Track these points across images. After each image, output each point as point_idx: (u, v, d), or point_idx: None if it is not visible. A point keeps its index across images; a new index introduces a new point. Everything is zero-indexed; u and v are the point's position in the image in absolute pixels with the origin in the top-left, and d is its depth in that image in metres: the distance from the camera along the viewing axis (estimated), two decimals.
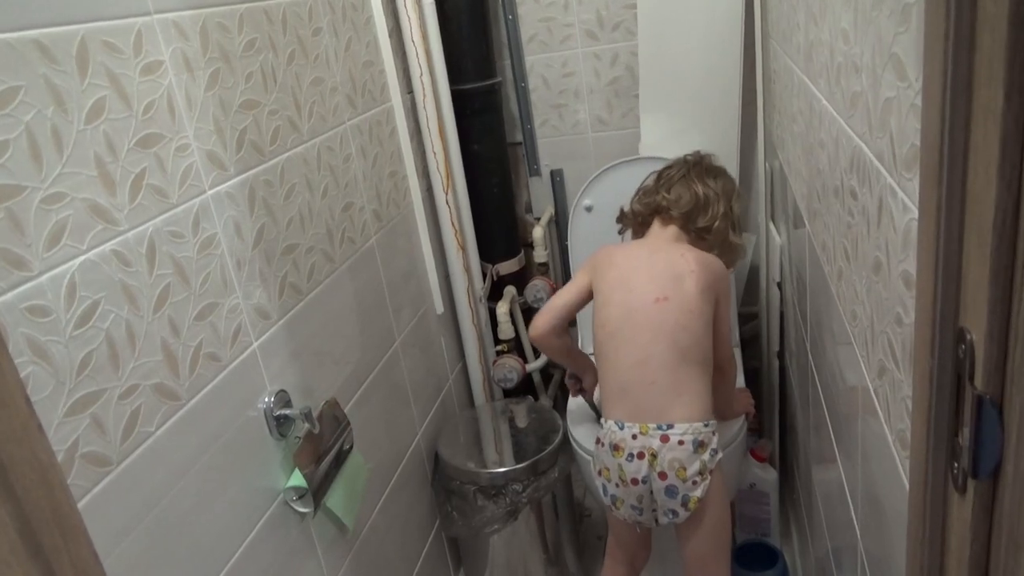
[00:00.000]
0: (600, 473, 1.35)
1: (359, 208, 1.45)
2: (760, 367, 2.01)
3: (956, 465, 0.44)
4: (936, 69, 0.40)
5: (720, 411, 1.55)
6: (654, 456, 1.26)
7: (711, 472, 1.27)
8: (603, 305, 1.38)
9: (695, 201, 1.43)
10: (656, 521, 1.32)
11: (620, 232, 1.59)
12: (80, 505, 0.77)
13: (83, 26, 0.82)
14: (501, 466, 1.62)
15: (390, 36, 1.60)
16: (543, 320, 1.45)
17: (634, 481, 1.28)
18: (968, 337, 0.41)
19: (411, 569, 1.62)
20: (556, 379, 2.19)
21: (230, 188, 1.05)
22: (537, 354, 2.07)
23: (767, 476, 1.77)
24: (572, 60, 1.97)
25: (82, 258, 0.79)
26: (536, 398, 2.11)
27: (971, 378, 0.41)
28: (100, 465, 0.80)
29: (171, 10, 0.95)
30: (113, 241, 0.84)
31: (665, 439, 1.25)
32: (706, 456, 1.26)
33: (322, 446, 1.18)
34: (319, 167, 1.30)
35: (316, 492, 1.15)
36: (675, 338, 1.29)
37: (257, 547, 1.06)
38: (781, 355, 1.78)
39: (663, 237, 1.44)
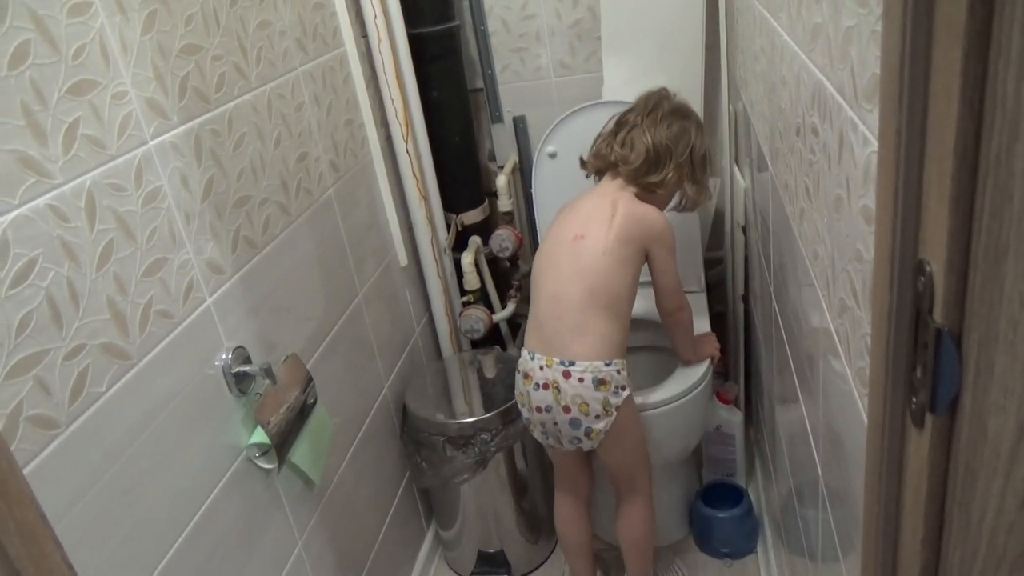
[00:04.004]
0: (519, 397, 1.44)
1: (315, 158, 1.40)
2: (725, 311, 2.02)
3: (914, 400, 0.44)
4: None
5: (682, 356, 1.56)
6: (558, 389, 1.33)
7: (618, 408, 1.33)
8: (541, 244, 1.47)
9: (645, 155, 1.40)
10: (562, 444, 1.40)
11: (588, 177, 1.57)
12: (28, 469, 0.74)
13: None
14: (470, 416, 1.62)
15: None
16: None
17: (539, 409, 1.37)
18: (927, 269, 0.40)
19: (382, 521, 1.62)
20: (523, 328, 2.18)
21: (174, 138, 1.00)
22: (504, 304, 2.05)
23: (732, 418, 1.80)
24: (532, 2, 1.91)
25: (14, 213, 0.75)
26: (504, 348, 2.11)
27: (930, 311, 0.40)
28: (48, 428, 0.77)
29: None
30: (48, 195, 0.79)
31: (567, 375, 1.32)
32: (609, 393, 1.32)
33: (284, 402, 1.16)
34: (270, 116, 1.25)
35: (280, 448, 1.14)
36: (586, 277, 1.34)
37: (221, 504, 1.05)
38: (746, 299, 1.79)
39: (609, 186, 1.45)
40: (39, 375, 0.76)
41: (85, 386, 0.82)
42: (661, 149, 1.40)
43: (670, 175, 1.40)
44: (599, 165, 1.48)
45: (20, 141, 0.76)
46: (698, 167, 1.44)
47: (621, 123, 1.47)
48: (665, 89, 1.51)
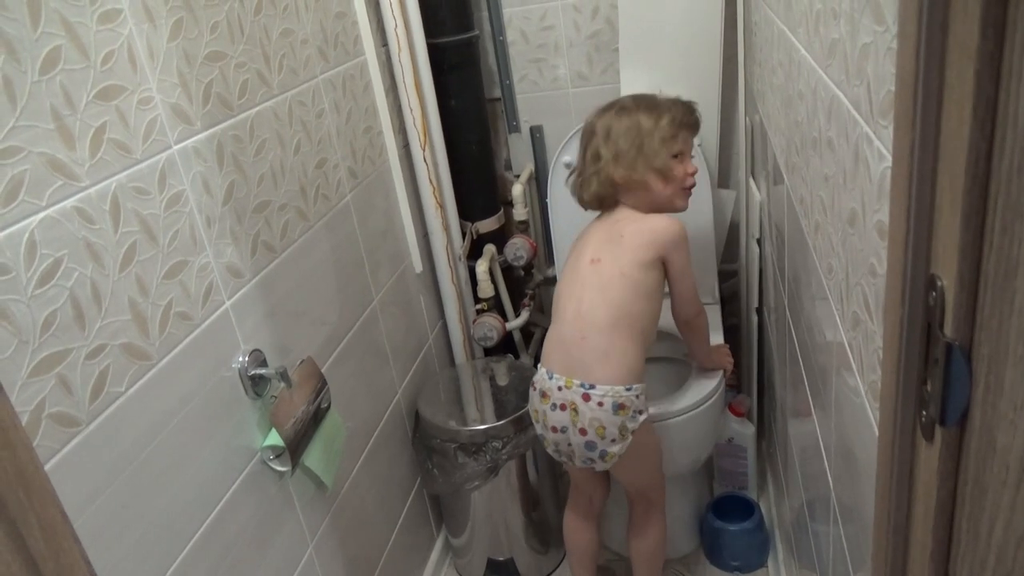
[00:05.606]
0: (533, 413, 1.44)
1: (333, 165, 1.42)
2: (739, 323, 2.02)
3: (924, 413, 0.44)
4: (912, 5, 0.38)
5: (699, 360, 1.58)
6: (575, 411, 1.32)
7: (634, 432, 1.33)
8: (560, 275, 1.47)
9: (601, 190, 1.39)
10: (574, 463, 1.40)
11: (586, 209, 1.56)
12: (49, 466, 0.76)
13: None
14: (481, 423, 1.62)
15: None
16: None
17: (554, 428, 1.36)
18: (939, 284, 0.41)
19: (392, 526, 1.63)
20: (536, 337, 2.19)
21: (197, 143, 1.02)
22: (517, 312, 2.06)
23: (745, 431, 1.79)
24: (551, 13, 1.93)
25: (42, 214, 0.77)
26: (516, 356, 2.12)
27: (941, 325, 0.41)
28: (68, 426, 0.79)
29: None
30: (74, 197, 0.81)
31: (587, 398, 1.31)
32: (627, 418, 1.31)
33: (299, 405, 1.18)
34: (291, 122, 1.26)
35: (293, 451, 1.15)
36: (609, 299, 1.33)
37: (235, 506, 1.06)
38: (760, 311, 1.78)
39: (609, 211, 1.44)
40: (61, 373, 0.78)
41: (105, 385, 0.84)
42: (602, 176, 1.38)
43: (646, 169, 1.36)
44: (592, 200, 1.45)
45: (49, 144, 0.78)
46: (645, 151, 1.36)
47: (590, 158, 1.42)
48: (596, 111, 1.45)
